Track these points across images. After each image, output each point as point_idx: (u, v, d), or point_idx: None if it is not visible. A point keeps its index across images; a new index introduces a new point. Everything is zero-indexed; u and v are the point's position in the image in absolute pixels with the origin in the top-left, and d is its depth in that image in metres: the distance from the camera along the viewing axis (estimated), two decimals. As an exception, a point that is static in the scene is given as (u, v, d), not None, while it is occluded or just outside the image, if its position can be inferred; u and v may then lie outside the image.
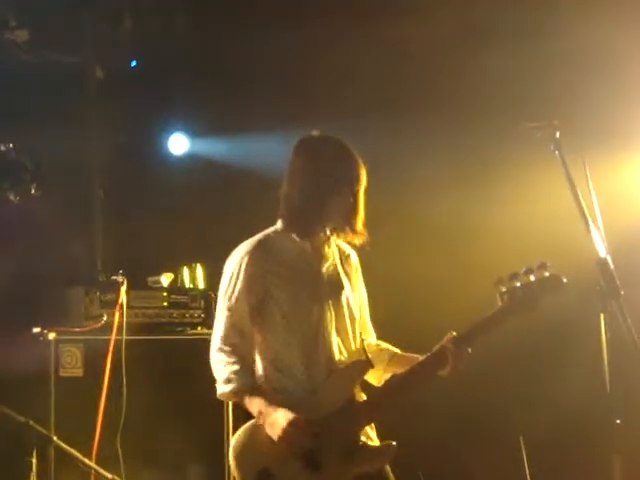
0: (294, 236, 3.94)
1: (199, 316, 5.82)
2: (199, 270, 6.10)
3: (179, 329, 5.79)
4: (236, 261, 3.91)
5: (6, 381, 5.02)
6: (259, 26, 6.52)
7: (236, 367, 3.82)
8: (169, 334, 5.74)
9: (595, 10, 5.68)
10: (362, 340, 3.96)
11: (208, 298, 5.81)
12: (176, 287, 5.94)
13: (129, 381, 5.31)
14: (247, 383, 3.82)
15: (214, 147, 6.98)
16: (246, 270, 3.87)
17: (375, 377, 4.02)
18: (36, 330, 5.41)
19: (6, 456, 5.00)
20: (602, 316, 3.61)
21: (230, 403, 5.46)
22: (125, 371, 5.30)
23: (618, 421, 3.60)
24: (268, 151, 6.38)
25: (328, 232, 3.98)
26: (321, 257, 3.98)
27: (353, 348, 3.95)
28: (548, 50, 5.92)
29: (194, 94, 6.78)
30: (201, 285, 6.06)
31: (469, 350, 3.80)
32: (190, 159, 7.04)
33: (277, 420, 3.70)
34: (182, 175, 6.87)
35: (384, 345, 4.11)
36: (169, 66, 6.83)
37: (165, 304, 5.78)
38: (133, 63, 6.87)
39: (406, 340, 4.09)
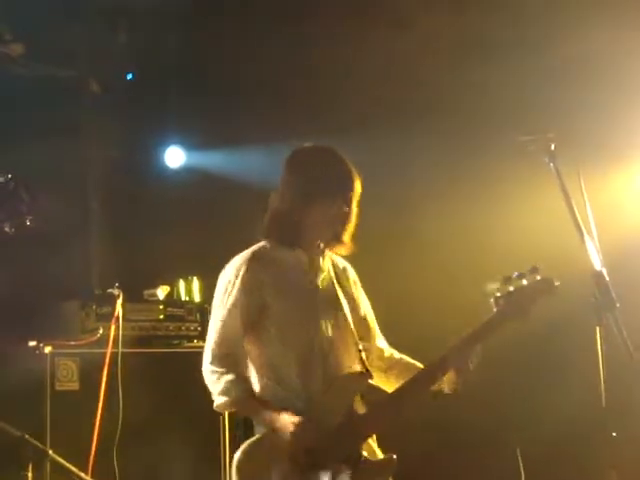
0: (287, 248, 3.93)
1: (195, 329, 5.82)
2: (195, 283, 6.10)
3: (175, 342, 5.79)
4: (231, 273, 3.88)
5: (1, 395, 5.00)
6: (255, 39, 6.53)
7: (231, 377, 3.80)
8: (165, 347, 5.73)
9: (591, 23, 5.69)
10: (360, 351, 3.94)
11: (204, 311, 5.81)
12: (172, 300, 5.94)
13: (125, 394, 5.30)
14: (245, 391, 3.80)
15: (210, 160, 6.99)
16: (242, 282, 3.84)
17: (391, 389, 3.98)
18: (32, 344, 5.40)
19: (1, 470, 4.98)
20: (598, 329, 3.61)
21: (227, 415, 5.46)
22: (121, 384, 5.30)
23: (614, 434, 3.60)
24: (264, 164, 6.40)
25: (322, 244, 3.97)
26: (317, 269, 3.95)
27: (351, 361, 3.93)
28: (543, 63, 5.94)
29: (190, 107, 6.78)
30: (197, 298, 6.06)
31: (473, 357, 3.82)
32: (186, 172, 7.05)
33: (286, 421, 3.69)
34: (178, 188, 6.88)
35: (403, 357, 4.10)
36: (165, 79, 6.84)
37: (161, 317, 5.78)
38: (129, 76, 6.88)
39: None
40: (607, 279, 3.63)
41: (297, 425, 3.66)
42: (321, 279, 3.95)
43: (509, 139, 3.87)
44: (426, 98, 6.31)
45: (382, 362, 4.09)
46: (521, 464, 5.80)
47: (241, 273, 3.85)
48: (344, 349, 3.92)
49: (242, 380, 3.82)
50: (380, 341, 4.13)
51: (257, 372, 3.88)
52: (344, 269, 4.08)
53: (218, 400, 3.84)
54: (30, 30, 6.03)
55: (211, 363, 3.86)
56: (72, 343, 5.44)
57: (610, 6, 5.76)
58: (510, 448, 5.85)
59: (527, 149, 3.82)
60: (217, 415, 5.41)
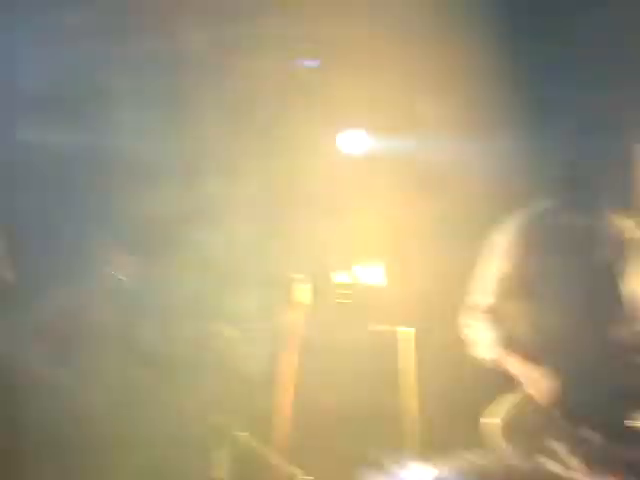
0: (567, 214, 3.89)
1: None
2: (377, 268, 6.06)
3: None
4: (508, 233, 3.95)
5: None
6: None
7: (494, 334, 3.90)
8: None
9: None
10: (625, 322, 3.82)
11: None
12: (351, 285, 5.93)
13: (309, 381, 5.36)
14: (505, 349, 3.88)
15: (395, 145, 6.96)
16: (516, 243, 3.90)
17: None
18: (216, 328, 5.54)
19: (193, 450, 5.12)
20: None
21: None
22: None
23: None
24: (444, 150, 6.34)
25: (609, 211, 3.88)
26: (595, 237, 3.88)
27: (620, 331, 3.84)
28: None
29: (370, 93, 6.76)
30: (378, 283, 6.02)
31: None
32: (369, 157, 7.04)
33: (540, 379, 3.72)
34: (360, 174, 6.88)
35: None
36: (350, 63, 6.84)
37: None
38: (312, 63, 6.95)
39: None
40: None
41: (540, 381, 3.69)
42: (603, 246, 3.88)
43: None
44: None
45: None
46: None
47: (516, 235, 3.87)
48: (613, 318, 3.86)
49: (503, 337, 3.89)
50: None
51: (522, 330, 3.92)
52: None
53: (482, 353, 3.94)
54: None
55: (474, 316, 3.94)
56: (254, 328, 5.54)
57: None
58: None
59: None
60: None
